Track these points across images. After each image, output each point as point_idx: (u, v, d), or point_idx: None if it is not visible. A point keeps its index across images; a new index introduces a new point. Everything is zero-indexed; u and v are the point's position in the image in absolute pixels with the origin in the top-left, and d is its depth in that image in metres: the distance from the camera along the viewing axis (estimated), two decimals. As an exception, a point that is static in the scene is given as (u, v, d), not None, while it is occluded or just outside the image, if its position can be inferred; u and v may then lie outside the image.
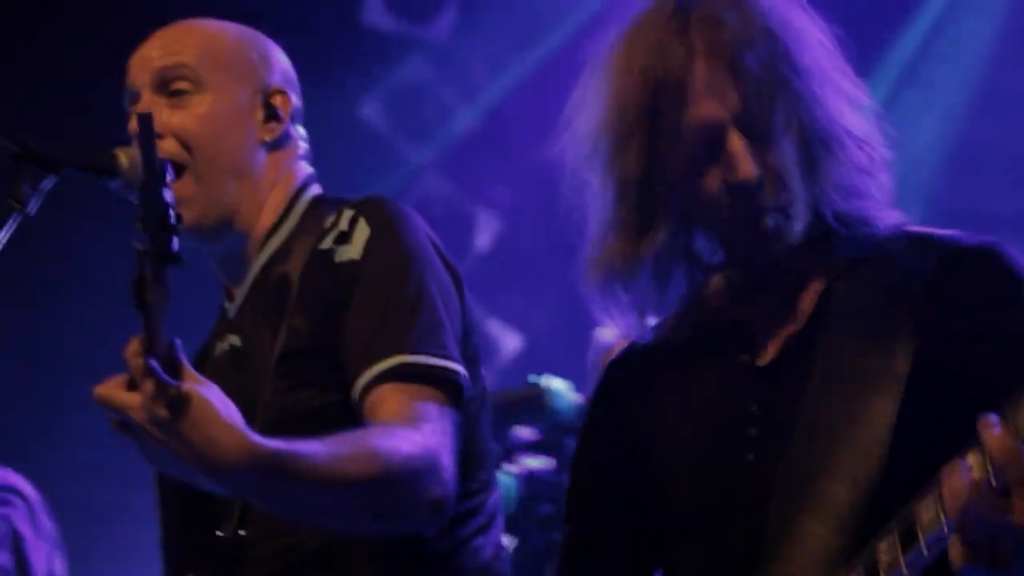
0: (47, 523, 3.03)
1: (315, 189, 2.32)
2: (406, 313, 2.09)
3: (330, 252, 2.16)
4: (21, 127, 2.01)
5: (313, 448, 1.86)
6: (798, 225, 1.75)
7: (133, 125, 2.07)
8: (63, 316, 4.81)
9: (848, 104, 1.79)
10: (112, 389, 1.73)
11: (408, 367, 2.03)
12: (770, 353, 1.87)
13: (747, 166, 1.70)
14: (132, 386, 1.72)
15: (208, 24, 2.31)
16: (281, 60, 2.30)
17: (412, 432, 1.97)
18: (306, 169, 2.33)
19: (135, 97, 2.20)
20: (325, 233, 2.20)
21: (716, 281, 1.93)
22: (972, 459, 1.41)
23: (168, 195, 1.77)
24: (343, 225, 2.17)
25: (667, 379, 1.96)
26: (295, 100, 2.30)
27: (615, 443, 2.02)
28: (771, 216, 1.75)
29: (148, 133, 1.78)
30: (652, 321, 1.94)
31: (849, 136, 1.77)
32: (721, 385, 1.89)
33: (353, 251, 2.16)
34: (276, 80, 2.27)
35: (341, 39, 4.81)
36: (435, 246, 2.16)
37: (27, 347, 4.81)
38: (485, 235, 5.28)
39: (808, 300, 1.88)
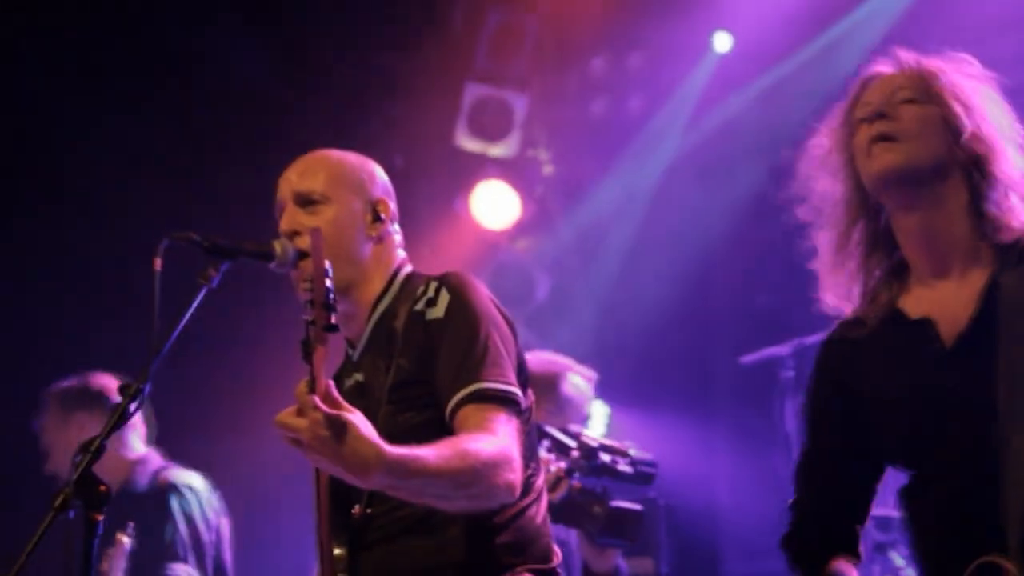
0: (214, 501, 3.80)
1: (408, 268, 2.62)
2: (479, 355, 2.37)
3: (422, 312, 2.44)
4: (202, 226, 2.39)
5: (425, 452, 2.15)
6: (907, 157, 1.97)
7: (283, 223, 2.50)
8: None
9: (1004, 129, 2.03)
10: (287, 416, 2.02)
11: (483, 391, 2.32)
12: (950, 339, 2.07)
13: (877, 101, 2.01)
14: (301, 414, 2.02)
15: (332, 153, 2.62)
16: (383, 177, 2.60)
17: (491, 437, 2.26)
18: (401, 254, 2.62)
19: (282, 206, 2.53)
20: (418, 299, 2.48)
21: (898, 286, 2.17)
22: None
23: (329, 284, 2.11)
24: (430, 293, 2.46)
25: (875, 354, 2.18)
26: (393, 207, 2.59)
27: (837, 404, 2.26)
28: (886, 141, 1.99)
29: (317, 244, 2.12)
30: (849, 307, 2.24)
31: (1005, 153, 2.02)
32: (916, 363, 2.10)
33: (439, 312, 2.43)
34: (379, 193, 2.57)
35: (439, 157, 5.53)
36: (495, 304, 2.47)
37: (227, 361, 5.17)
38: (542, 289, 5.87)
39: (977, 291, 2.07)
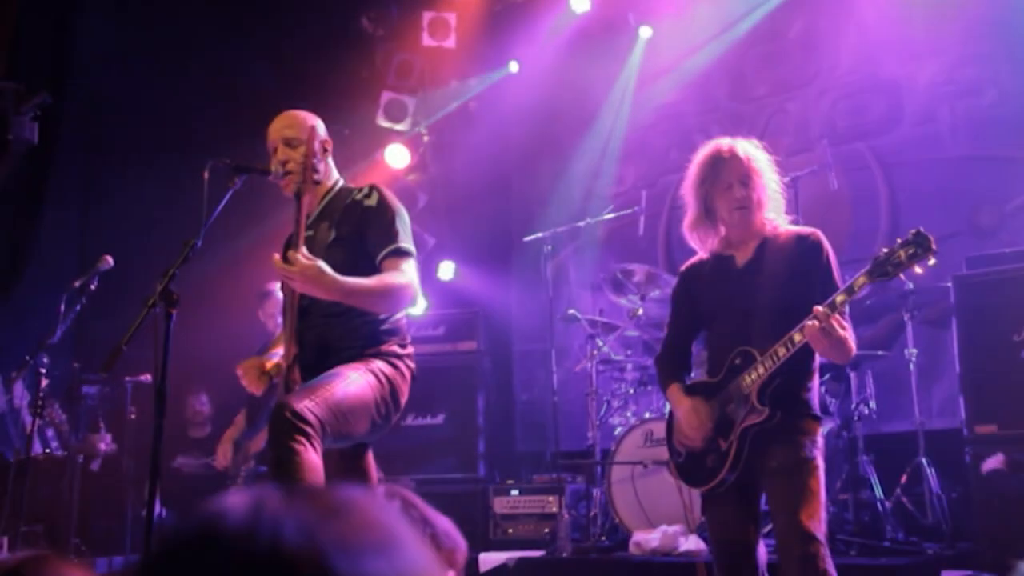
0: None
1: (341, 180, 3.47)
2: (396, 228, 3.25)
3: (361, 201, 3.31)
4: (228, 154, 3.24)
5: (364, 280, 3.10)
6: (754, 213, 3.16)
7: (279, 156, 3.29)
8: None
9: (774, 186, 3.19)
10: (280, 264, 3.00)
11: (398, 249, 3.22)
12: (741, 263, 3.20)
13: (740, 192, 3.13)
14: (287, 260, 2.98)
15: (301, 113, 3.45)
16: (324, 128, 3.44)
17: (400, 274, 3.19)
18: (335, 172, 3.48)
19: (274, 146, 3.36)
20: (357, 194, 3.31)
21: (721, 242, 3.26)
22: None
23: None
24: (366, 191, 3.32)
25: (706, 273, 3.29)
26: (330, 142, 3.45)
27: (685, 296, 3.35)
28: (743, 208, 3.15)
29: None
30: (702, 255, 3.33)
31: (774, 197, 3.19)
32: (724, 275, 3.22)
33: (372, 202, 3.31)
34: (323, 136, 3.43)
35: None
36: (399, 202, 3.32)
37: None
38: (422, 201, 7.53)
39: (753, 247, 3.21)
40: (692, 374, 3.40)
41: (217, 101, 7.23)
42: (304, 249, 2.97)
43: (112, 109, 7.37)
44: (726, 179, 3.17)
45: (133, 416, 5.88)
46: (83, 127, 7.36)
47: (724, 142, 3.23)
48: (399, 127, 7.39)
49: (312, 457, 2.89)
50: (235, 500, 0.69)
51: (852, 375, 5.17)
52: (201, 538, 0.66)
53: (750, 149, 3.21)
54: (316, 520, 0.67)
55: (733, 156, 3.16)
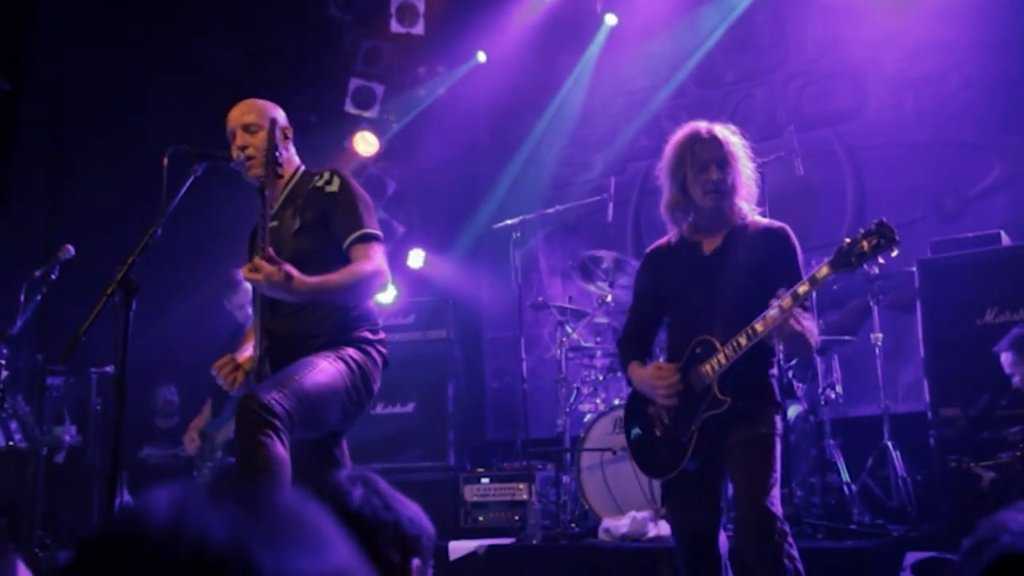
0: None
1: (303, 167, 3.43)
2: (360, 212, 3.19)
3: (322, 187, 3.24)
4: (193, 141, 3.19)
5: (330, 276, 3.06)
6: (727, 198, 3.13)
7: (238, 141, 3.23)
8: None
9: (748, 173, 3.16)
10: (248, 271, 2.91)
11: (365, 234, 3.16)
12: (708, 252, 3.18)
13: (716, 175, 3.08)
14: (254, 268, 2.89)
15: (261, 101, 3.41)
16: (284, 116, 3.40)
17: (370, 260, 3.12)
18: (296, 159, 3.43)
19: (233, 133, 3.32)
20: (318, 180, 3.25)
21: (689, 227, 3.23)
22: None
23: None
24: (327, 177, 3.25)
25: (670, 258, 3.25)
26: (290, 129, 3.41)
27: (649, 280, 3.29)
28: (717, 192, 3.12)
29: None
30: (673, 235, 3.27)
31: (747, 184, 3.16)
32: (690, 261, 3.19)
33: (334, 188, 3.24)
34: (284, 123, 3.37)
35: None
36: (360, 188, 3.28)
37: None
38: (391, 188, 7.50)
39: (722, 236, 3.18)
40: (660, 359, 3.40)
41: (183, 88, 7.09)
42: (271, 250, 2.91)
43: (76, 95, 7.29)
44: (703, 161, 3.13)
45: (98, 407, 5.81)
46: (46, 114, 7.24)
47: (702, 124, 3.20)
48: (367, 114, 7.30)
49: (279, 450, 2.85)
50: (158, 497, 0.66)
51: (819, 360, 5.26)
52: (123, 538, 0.64)
53: (728, 134, 3.19)
54: (241, 517, 0.65)
55: (712, 139, 3.14)
